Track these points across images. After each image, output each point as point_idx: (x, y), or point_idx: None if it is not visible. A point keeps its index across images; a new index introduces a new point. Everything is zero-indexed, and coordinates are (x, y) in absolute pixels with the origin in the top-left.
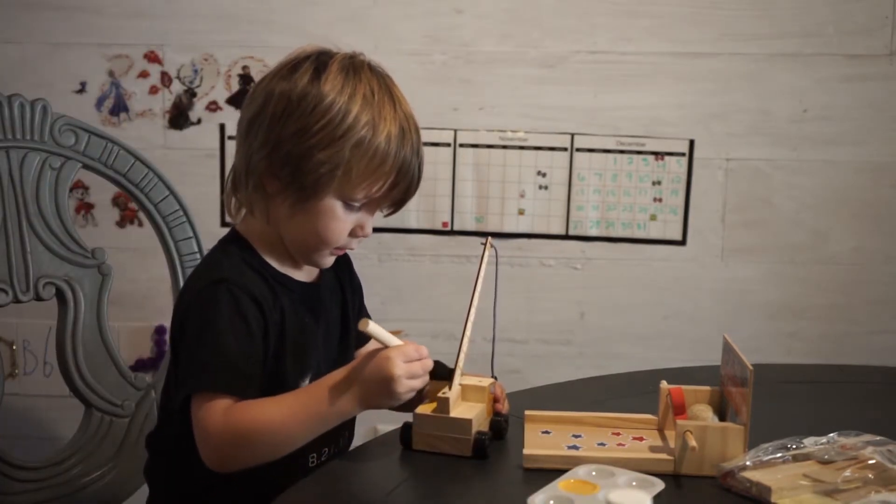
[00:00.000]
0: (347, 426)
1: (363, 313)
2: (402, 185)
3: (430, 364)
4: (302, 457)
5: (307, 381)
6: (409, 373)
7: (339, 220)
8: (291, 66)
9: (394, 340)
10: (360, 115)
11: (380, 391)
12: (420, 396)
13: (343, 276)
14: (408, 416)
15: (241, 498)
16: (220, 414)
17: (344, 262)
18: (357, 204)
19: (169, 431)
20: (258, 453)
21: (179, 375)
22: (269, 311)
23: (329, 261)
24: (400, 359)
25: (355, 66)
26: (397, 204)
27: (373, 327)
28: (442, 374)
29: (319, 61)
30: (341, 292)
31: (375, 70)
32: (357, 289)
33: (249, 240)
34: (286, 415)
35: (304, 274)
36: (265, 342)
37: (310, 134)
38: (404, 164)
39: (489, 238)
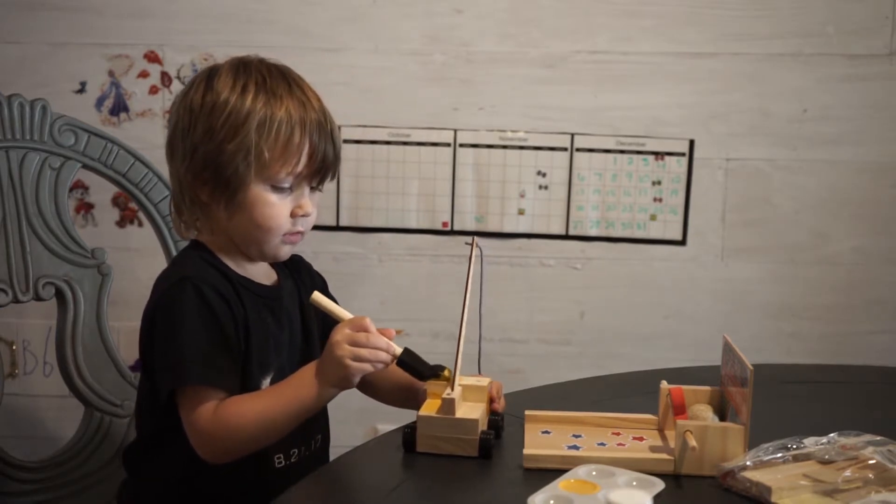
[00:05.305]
0: (319, 429)
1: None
2: (319, 153)
3: (378, 340)
4: (267, 458)
5: (268, 381)
6: (349, 339)
7: (273, 205)
8: (187, 88)
9: (344, 314)
10: (255, 100)
11: (331, 363)
12: (419, 398)
13: (300, 281)
14: (409, 418)
15: None
16: (209, 411)
17: (303, 267)
18: (285, 185)
19: (149, 443)
20: (248, 444)
21: (157, 375)
22: (234, 306)
23: (285, 250)
24: (345, 328)
25: (245, 63)
26: (321, 173)
27: (321, 298)
28: (409, 361)
29: (211, 71)
30: (299, 297)
31: (267, 62)
32: (318, 286)
33: (207, 245)
34: (268, 405)
35: (263, 278)
36: (236, 333)
37: (215, 131)
38: (313, 133)
39: (474, 238)
